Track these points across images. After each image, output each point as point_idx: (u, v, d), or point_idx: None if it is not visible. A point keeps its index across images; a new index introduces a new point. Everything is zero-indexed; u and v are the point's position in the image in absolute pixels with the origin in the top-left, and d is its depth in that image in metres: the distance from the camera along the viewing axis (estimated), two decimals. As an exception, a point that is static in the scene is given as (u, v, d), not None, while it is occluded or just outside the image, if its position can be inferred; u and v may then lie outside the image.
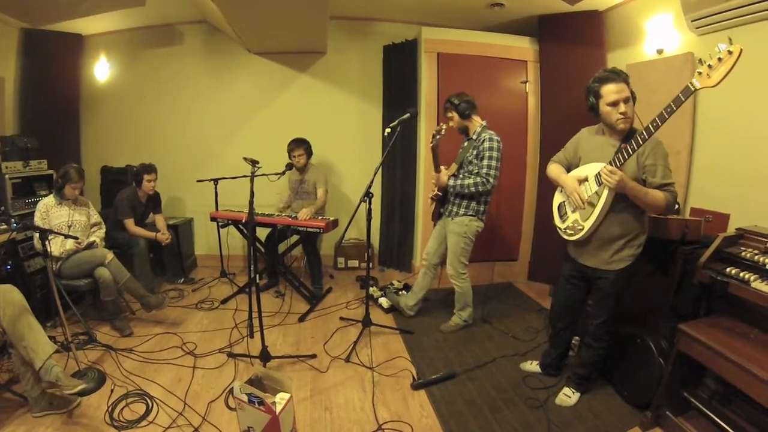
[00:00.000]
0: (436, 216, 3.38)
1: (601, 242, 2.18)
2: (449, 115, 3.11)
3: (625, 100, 2.01)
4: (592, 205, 2.12)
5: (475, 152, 2.99)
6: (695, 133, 3.04)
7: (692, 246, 2.38)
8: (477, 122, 3.06)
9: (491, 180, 2.92)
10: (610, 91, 2.02)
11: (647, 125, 1.82)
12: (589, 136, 2.28)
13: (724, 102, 2.79)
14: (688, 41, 3.05)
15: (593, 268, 2.25)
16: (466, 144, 3.12)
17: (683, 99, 1.69)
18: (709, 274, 2.03)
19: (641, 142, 1.87)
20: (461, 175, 3.06)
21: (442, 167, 3.14)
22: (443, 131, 2.97)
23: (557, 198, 2.43)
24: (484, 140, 2.95)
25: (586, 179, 2.16)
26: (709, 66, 1.63)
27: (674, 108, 1.72)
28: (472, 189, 2.95)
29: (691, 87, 1.68)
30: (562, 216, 2.36)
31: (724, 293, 2.00)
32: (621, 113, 2.01)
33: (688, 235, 2.40)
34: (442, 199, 3.25)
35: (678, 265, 2.38)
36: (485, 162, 2.93)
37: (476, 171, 2.97)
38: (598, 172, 2.05)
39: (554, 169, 2.39)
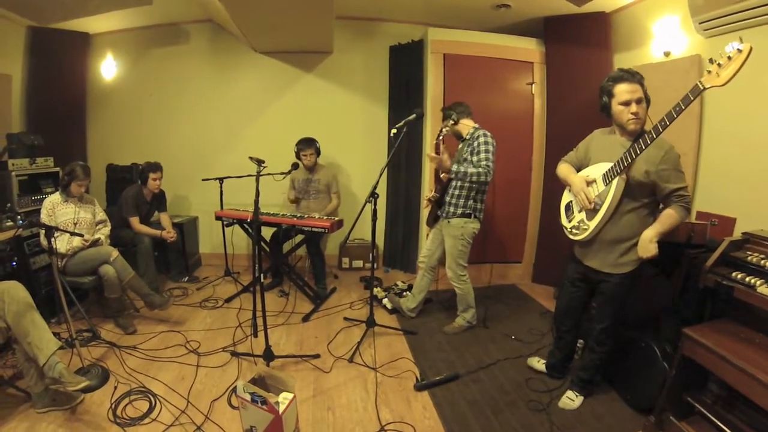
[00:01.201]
0: (432, 220, 3.42)
1: (605, 243, 2.17)
2: (445, 122, 3.24)
3: (638, 101, 2.00)
4: (598, 206, 2.11)
5: (469, 149, 3.06)
6: (702, 135, 3.03)
7: (698, 249, 2.37)
8: (469, 125, 3.18)
9: (491, 171, 2.96)
10: (622, 90, 2.02)
11: (656, 124, 1.81)
12: (601, 137, 2.28)
13: (732, 104, 2.77)
14: (695, 43, 3.04)
15: (597, 270, 2.24)
16: (460, 146, 3.23)
17: (692, 98, 1.69)
18: (715, 278, 2.02)
19: (649, 141, 1.87)
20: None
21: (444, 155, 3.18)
22: (446, 130, 3.12)
23: (565, 197, 2.42)
24: (478, 137, 3.03)
25: (594, 180, 2.15)
26: (719, 64, 1.62)
27: (683, 107, 1.72)
28: (474, 178, 2.96)
29: (699, 86, 1.67)
30: (569, 215, 2.36)
31: (729, 297, 1.99)
32: (632, 113, 2.00)
33: (693, 238, 2.39)
34: (439, 202, 3.28)
35: (683, 269, 2.36)
36: (482, 155, 2.97)
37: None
38: (605, 172, 2.05)
39: (564, 169, 2.39)
